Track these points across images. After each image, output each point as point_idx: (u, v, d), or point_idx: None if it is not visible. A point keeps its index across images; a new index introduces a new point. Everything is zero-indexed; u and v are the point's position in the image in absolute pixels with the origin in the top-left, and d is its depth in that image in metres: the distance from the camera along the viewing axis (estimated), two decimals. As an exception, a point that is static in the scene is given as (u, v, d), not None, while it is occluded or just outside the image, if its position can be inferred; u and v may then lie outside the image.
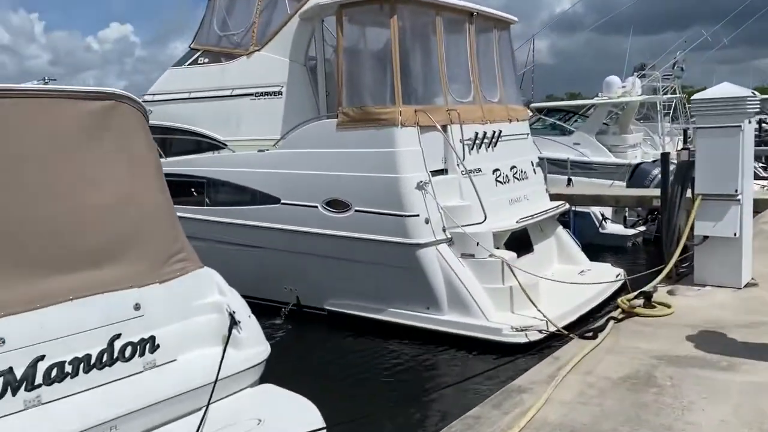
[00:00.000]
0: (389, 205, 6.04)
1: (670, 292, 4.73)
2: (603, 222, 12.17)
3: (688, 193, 5.10)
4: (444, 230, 6.17)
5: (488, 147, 7.19)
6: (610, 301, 6.55)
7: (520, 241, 7.16)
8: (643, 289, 4.47)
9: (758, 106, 4.67)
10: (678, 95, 23.22)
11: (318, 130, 6.56)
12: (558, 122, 18.33)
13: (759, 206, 9.29)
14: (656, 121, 23.65)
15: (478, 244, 6.02)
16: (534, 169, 8.15)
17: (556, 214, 7.89)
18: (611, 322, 4.11)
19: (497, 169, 7.21)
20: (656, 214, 11.11)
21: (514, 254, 6.48)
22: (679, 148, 19.37)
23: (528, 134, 8.41)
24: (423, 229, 6.03)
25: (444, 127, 6.57)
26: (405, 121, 6.12)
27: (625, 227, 12.29)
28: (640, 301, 4.33)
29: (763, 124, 29.76)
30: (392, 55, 6.19)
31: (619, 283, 6.94)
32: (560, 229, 8.09)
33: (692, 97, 4.85)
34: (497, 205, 6.87)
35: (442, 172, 6.59)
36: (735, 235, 4.62)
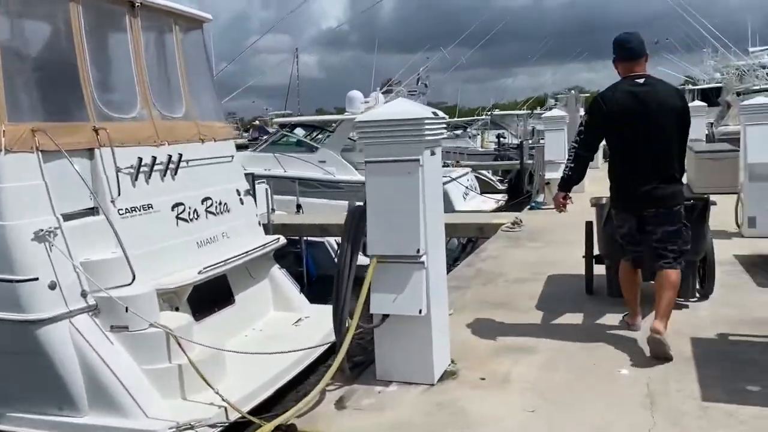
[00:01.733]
0: (-10, 266, 4.16)
1: (339, 402, 3.48)
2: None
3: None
4: (84, 296, 4.43)
5: (165, 175, 5.59)
6: (321, 362, 5.39)
7: (216, 293, 5.71)
8: (278, 421, 3.20)
9: (442, 130, 3.71)
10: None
11: None
12: (303, 139, 17.37)
13: (486, 231, 9.06)
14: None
15: (127, 310, 4.40)
16: (241, 199, 6.71)
17: (269, 252, 6.57)
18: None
19: (179, 204, 5.63)
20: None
21: (190, 317, 5.00)
22: None
23: (232, 156, 6.93)
24: (46, 298, 4.23)
25: (90, 151, 4.84)
26: (13, 145, 4.27)
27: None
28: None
29: (502, 139, 32.52)
30: (-8, 51, 4.32)
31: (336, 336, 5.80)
32: (275, 269, 6.77)
33: (357, 119, 3.72)
34: (177, 251, 5.31)
35: (92, 212, 4.85)
36: (420, 312, 3.50)
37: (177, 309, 5.18)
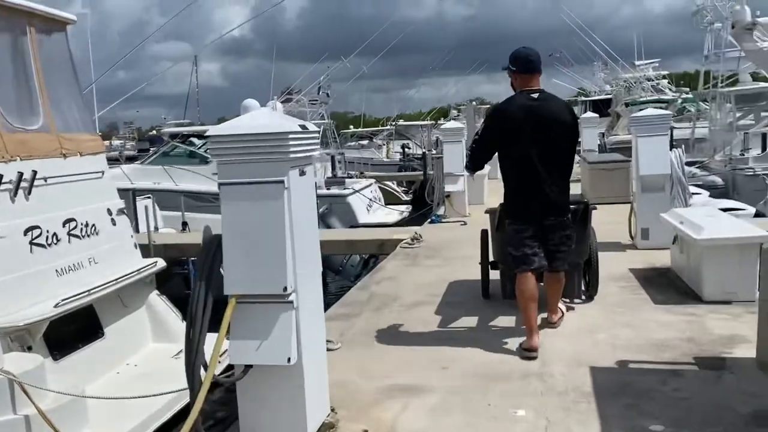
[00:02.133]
0: None
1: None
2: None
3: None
4: None
5: (15, 195, 4.78)
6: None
7: (80, 327, 4.98)
8: None
9: (313, 146, 3.20)
10: (326, 121, 23.37)
11: None
12: (196, 150, 16.39)
13: (386, 248, 8.66)
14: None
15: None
16: (113, 219, 5.92)
17: (146, 277, 5.84)
18: None
19: (34, 227, 4.84)
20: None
21: (43, 358, 4.22)
22: (328, 176, 18.87)
23: (102, 172, 6.14)
24: None
25: None
26: None
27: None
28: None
29: (406, 149, 32.56)
30: None
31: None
32: (154, 295, 6.04)
33: (208, 132, 3.15)
34: (30, 282, 4.55)
35: None
36: (289, 360, 2.94)
37: (30, 348, 4.45)
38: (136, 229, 11.18)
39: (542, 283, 4.44)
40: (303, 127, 3.10)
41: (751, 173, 14.25)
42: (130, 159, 23.75)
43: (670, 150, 7.32)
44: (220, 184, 3.06)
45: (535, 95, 4.19)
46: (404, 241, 8.31)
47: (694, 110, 31.10)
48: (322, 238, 8.79)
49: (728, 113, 20.14)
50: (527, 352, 4.08)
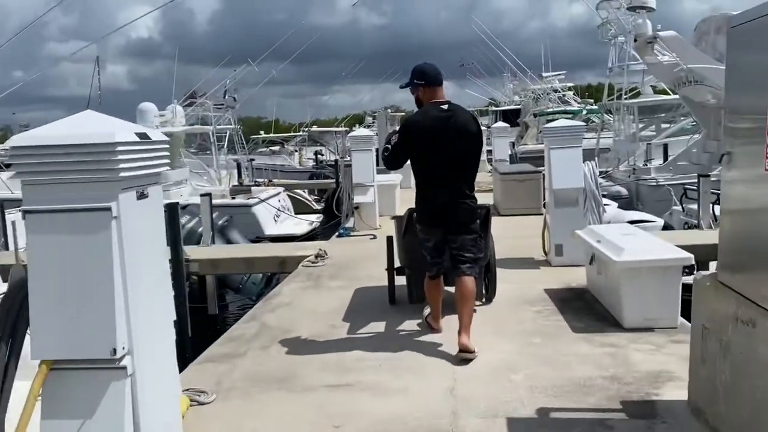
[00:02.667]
0: None
1: None
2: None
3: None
4: None
5: None
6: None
7: None
8: None
9: (159, 160, 2.47)
10: (233, 126, 22.24)
11: None
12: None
13: (287, 266, 7.87)
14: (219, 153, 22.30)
15: None
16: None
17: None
18: None
19: None
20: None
21: None
22: (234, 183, 17.76)
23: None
24: None
25: None
26: None
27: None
28: None
29: (319, 156, 31.76)
30: None
31: None
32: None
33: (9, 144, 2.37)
34: None
35: None
36: None
37: None
38: (5, 246, 9.85)
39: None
40: (142, 135, 2.36)
41: (654, 183, 14.49)
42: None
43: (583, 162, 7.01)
44: (24, 212, 2.26)
45: (445, 107, 4.37)
46: (307, 259, 7.60)
47: (599, 121, 32.24)
48: (217, 256, 7.89)
49: (631, 124, 20.72)
50: (432, 329, 4.75)
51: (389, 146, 4.43)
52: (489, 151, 24.18)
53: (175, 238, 7.81)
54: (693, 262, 4.56)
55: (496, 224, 9.81)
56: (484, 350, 4.27)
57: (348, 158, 25.05)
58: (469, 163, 4.39)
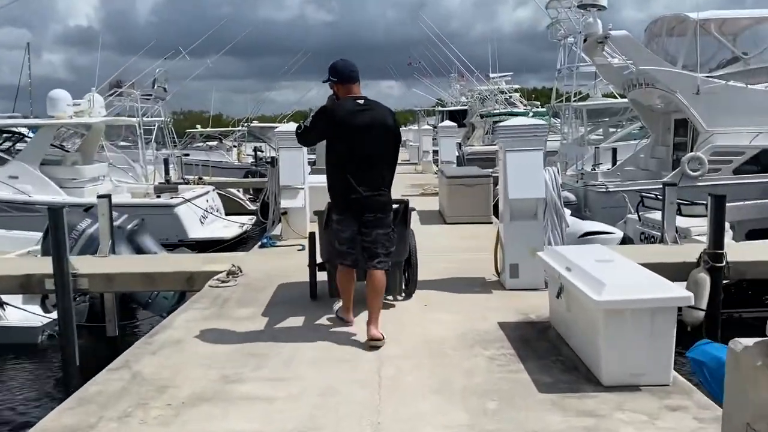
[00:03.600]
0: None
1: None
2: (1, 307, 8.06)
3: None
4: None
5: None
6: None
7: None
8: None
9: None
10: (161, 119, 20.53)
11: None
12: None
13: (196, 283, 6.53)
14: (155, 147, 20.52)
15: None
16: None
17: None
18: None
19: None
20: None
21: None
22: (159, 180, 16.13)
23: None
24: None
25: None
26: None
27: (45, 311, 8.32)
28: None
29: (259, 152, 30.12)
30: None
31: None
32: None
33: None
34: None
35: None
36: None
37: None
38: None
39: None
40: None
41: (604, 189, 13.70)
42: None
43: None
44: None
45: (361, 101, 4.45)
46: (216, 277, 6.30)
47: (544, 124, 31.82)
48: (112, 269, 6.41)
49: (579, 128, 20.11)
50: (343, 321, 4.73)
51: (304, 125, 4.61)
52: (435, 152, 23.28)
53: (58, 246, 6.40)
54: (692, 302, 3.55)
55: (441, 234, 8.79)
56: (424, 422, 3.13)
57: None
58: (384, 157, 4.44)
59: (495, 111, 32.49)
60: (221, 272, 6.48)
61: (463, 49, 37.03)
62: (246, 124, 31.49)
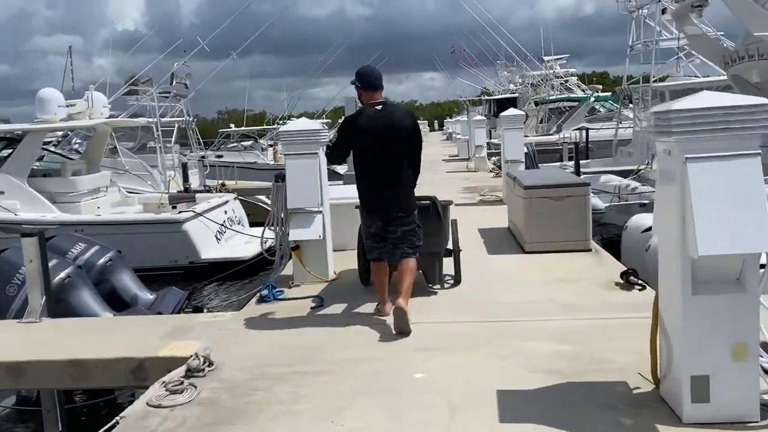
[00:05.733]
0: None
1: None
2: None
3: None
4: None
5: None
6: None
7: None
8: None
9: None
10: (183, 118, 18.24)
11: None
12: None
13: (148, 375, 3.91)
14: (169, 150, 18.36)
15: None
16: None
17: None
18: None
19: None
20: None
21: None
22: (180, 188, 13.54)
23: None
24: None
25: None
26: None
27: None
28: None
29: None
30: None
31: None
32: None
33: None
34: None
35: None
36: None
37: None
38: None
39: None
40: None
41: None
42: None
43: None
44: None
45: (380, 107, 4.66)
46: (167, 385, 3.69)
47: (604, 111, 28.38)
48: (22, 354, 3.80)
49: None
50: (380, 313, 4.73)
51: (330, 144, 5.02)
52: (497, 146, 20.25)
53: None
54: None
55: (521, 272, 6.01)
56: None
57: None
58: (405, 158, 4.61)
59: (550, 97, 29.27)
60: (189, 357, 3.92)
61: (507, 37, 33.66)
62: (281, 121, 29.07)
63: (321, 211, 5.75)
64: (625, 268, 5.47)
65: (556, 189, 6.51)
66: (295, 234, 5.74)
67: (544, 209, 6.45)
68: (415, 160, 4.70)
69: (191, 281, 10.82)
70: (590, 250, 6.47)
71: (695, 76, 17.49)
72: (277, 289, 5.54)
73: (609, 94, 29.54)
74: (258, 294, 5.53)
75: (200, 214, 11.54)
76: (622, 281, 5.26)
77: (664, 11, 16.33)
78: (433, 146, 29.18)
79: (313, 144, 5.68)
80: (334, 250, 6.12)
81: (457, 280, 5.50)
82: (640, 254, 7.48)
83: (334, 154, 4.92)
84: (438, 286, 5.41)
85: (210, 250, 11.38)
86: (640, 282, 5.14)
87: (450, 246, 5.53)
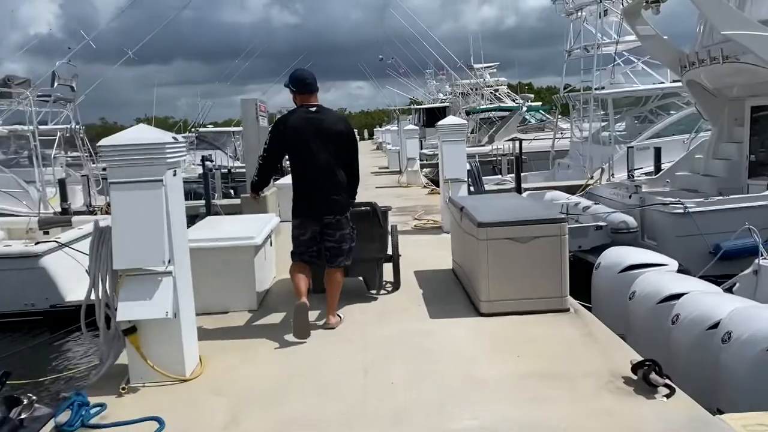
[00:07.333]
0: None
1: None
2: None
3: None
4: None
5: None
6: None
7: None
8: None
9: None
10: (69, 126, 15.45)
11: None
12: None
13: None
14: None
15: None
16: None
17: None
18: None
19: None
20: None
21: None
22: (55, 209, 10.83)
23: None
24: None
25: None
26: None
27: None
28: None
29: (207, 162, 25.04)
30: None
31: None
32: None
33: None
34: None
35: None
36: None
37: None
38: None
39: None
40: None
41: (681, 210, 9.02)
42: None
43: None
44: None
45: (313, 109, 4.57)
46: None
47: (535, 121, 27.29)
48: None
49: (601, 123, 15.56)
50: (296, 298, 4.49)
51: (264, 147, 4.66)
52: (429, 157, 18.36)
53: None
54: None
55: (478, 357, 4.06)
56: None
57: (242, 162, 18.89)
58: (338, 160, 4.52)
59: (481, 107, 27.93)
60: None
61: (436, 45, 32.26)
62: (194, 129, 26.31)
63: (170, 272, 3.58)
64: (628, 350, 3.60)
65: (523, 227, 4.58)
66: (127, 310, 3.54)
67: (506, 255, 4.52)
68: (351, 167, 4.65)
69: (55, 329, 8.41)
70: (567, 310, 4.60)
71: (635, 84, 16.33)
72: (90, 405, 3.31)
73: (539, 103, 28.55)
74: (54, 422, 3.25)
75: (65, 245, 9.02)
76: (634, 377, 3.38)
77: (605, 13, 15.10)
78: (362, 156, 27.14)
79: (154, 166, 3.51)
80: (205, 317, 3.97)
81: (396, 286, 5.45)
82: (619, 302, 5.70)
83: (269, 158, 4.66)
84: (375, 292, 5.35)
85: (77, 289, 8.87)
86: (667, 383, 3.26)
87: (390, 251, 5.38)
